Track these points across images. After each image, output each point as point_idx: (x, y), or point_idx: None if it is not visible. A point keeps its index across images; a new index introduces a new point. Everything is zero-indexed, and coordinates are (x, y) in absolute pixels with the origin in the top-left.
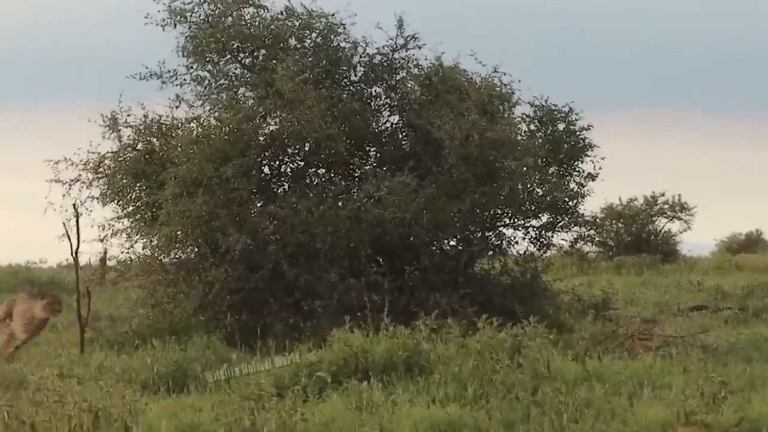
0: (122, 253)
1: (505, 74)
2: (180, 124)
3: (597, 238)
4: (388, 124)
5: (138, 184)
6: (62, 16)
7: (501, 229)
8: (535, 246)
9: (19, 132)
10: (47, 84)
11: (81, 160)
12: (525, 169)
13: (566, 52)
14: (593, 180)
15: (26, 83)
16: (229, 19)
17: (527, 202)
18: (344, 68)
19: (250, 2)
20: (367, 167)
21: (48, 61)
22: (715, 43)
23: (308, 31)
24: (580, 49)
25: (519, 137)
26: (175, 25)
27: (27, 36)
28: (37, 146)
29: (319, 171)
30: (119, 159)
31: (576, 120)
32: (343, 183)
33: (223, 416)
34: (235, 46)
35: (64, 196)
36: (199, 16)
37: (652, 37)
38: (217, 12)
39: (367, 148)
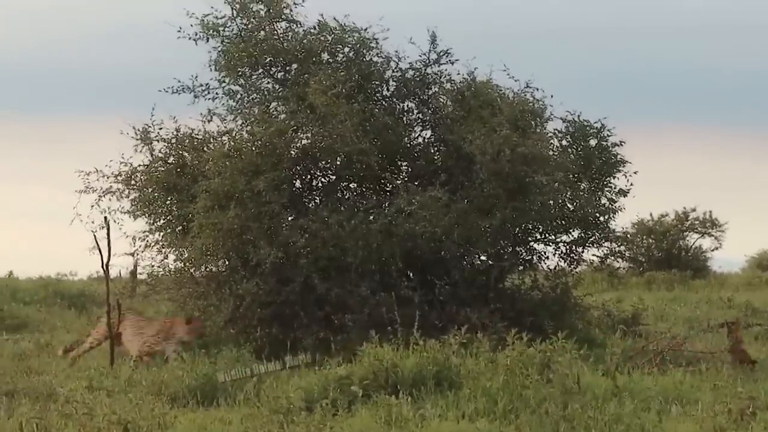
0: (153, 266)
1: (537, 89)
2: (212, 138)
3: (628, 254)
4: (420, 139)
5: (169, 198)
6: (95, 30)
7: (532, 244)
8: (565, 261)
9: (52, 144)
10: (80, 97)
11: (113, 172)
12: (556, 184)
13: (598, 67)
14: (624, 196)
15: (59, 96)
16: (262, 33)
17: (558, 218)
18: (376, 83)
19: (283, 17)
20: (398, 182)
21: (80, 75)
22: (744, 61)
23: (341, 46)
24: (612, 65)
25: (551, 152)
26: (208, 39)
27: (60, 49)
28: (70, 159)
29: (350, 185)
30: (151, 172)
31: (608, 136)
32: (375, 197)
33: (252, 429)
34: (267, 60)
35: (92, 206)
36: (232, 30)
37: (683, 55)
38: (249, 26)
39: (399, 163)
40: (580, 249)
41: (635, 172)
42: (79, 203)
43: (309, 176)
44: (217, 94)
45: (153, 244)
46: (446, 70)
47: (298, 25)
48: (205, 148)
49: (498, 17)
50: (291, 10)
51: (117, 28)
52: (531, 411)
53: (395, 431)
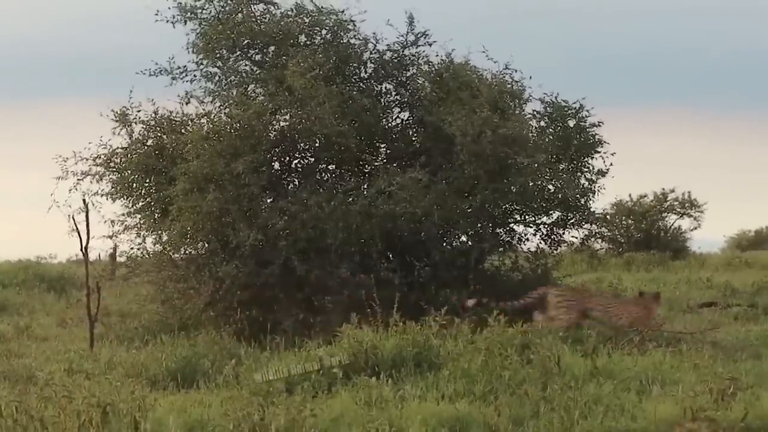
0: (132, 248)
1: (516, 71)
2: (190, 120)
3: (607, 235)
4: (399, 121)
5: (148, 180)
6: (71, 13)
7: (512, 225)
8: (546, 242)
9: (28, 127)
10: (56, 80)
11: (91, 155)
12: (536, 165)
13: (577, 49)
14: (603, 176)
15: (35, 80)
16: (239, 15)
17: (538, 199)
18: (354, 65)
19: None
20: (377, 163)
21: (57, 58)
22: (727, 43)
23: (318, 28)
24: (590, 47)
25: (530, 134)
26: (185, 21)
27: (37, 33)
28: (47, 142)
29: (329, 167)
30: (129, 154)
31: (586, 116)
32: (354, 179)
33: (232, 412)
34: (245, 42)
35: (70, 190)
36: (209, 12)
37: (663, 35)
38: (227, 9)
39: (378, 145)
40: (560, 230)
41: (613, 153)
42: (57, 189)
43: (288, 158)
44: (195, 76)
45: (132, 227)
46: (424, 51)
47: (276, 8)
48: (183, 131)
49: None
50: None
51: (94, 11)
52: (510, 392)
53: (375, 412)
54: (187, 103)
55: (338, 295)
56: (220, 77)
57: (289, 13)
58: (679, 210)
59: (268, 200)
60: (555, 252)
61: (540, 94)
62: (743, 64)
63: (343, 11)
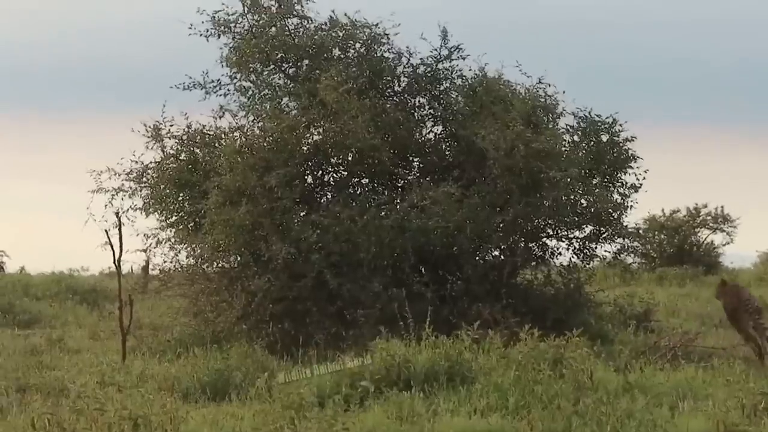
0: (165, 262)
1: (549, 85)
2: (223, 134)
3: (640, 249)
4: (432, 135)
5: (181, 194)
6: (106, 27)
7: (544, 239)
8: (578, 257)
9: (63, 140)
10: (91, 93)
11: (124, 170)
12: (569, 180)
13: (610, 64)
14: (636, 191)
15: (70, 93)
16: (273, 29)
17: (571, 213)
18: (388, 78)
19: (294, 13)
20: (410, 177)
21: (92, 71)
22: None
23: (352, 42)
24: (624, 62)
25: (563, 148)
26: (219, 35)
27: (71, 46)
28: (81, 154)
29: (362, 181)
30: (162, 169)
31: (620, 131)
32: (387, 193)
33: (264, 425)
34: (278, 56)
35: (106, 206)
36: (243, 26)
37: (696, 50)
38: (260, 22)
39: (411, 159)
40: (592, 245)
41: (646, 171)
42: (92, 203)
43: (321, 172)
44: (228, 90)
45: (165, 240)
46: (457, 65)
47: (309, 21)
48: (216, 144)
49: (509, 12)
50: (302, 6)
51: (126, 26)
52: (543, 406)
53: (407, 427)
54: (220, 117)
55: (370, 308)
56: (253, 91)
57: (323, 26)
58: (711, 225)
59: (301, 214)
60: (587, 266)
61: (573, 109)
62: None
63: (377, 25)
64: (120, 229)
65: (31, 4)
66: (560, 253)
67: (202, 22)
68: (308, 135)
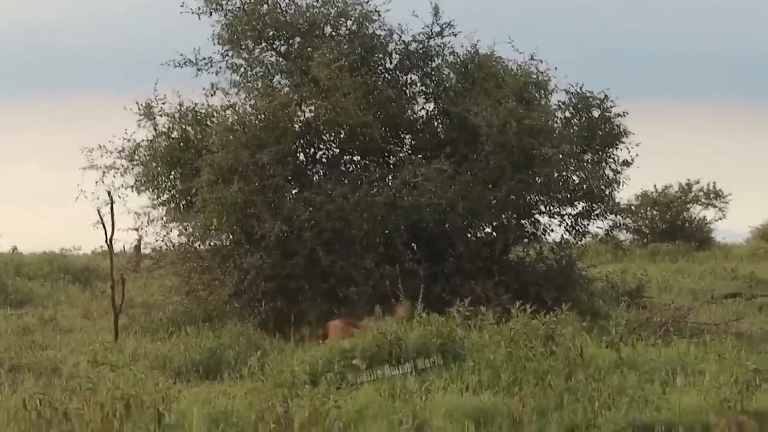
0: (157, 240)
1: (541, 62)
2: (215, 112)
3: (632, 226)
4: (424, 112)
5: (173, 172)
6: (96, 6)
7: (536, 216)
8: (570, 234)
9: (53, 122)
10: (81, 74)
11: (116, 148)
12: (561, 156)
13: (603, 40)
14: (628, 167)
15: (61, 73)
16: (265, 6)
17: (563, 190)
18: (379, 55)
19: None
20: (402, 154)
21: (82, 51)
22: (755, 35)
23: (343, 19)
24: (615, 39)
25: (555, 124)
26: (211, 13)
27: (62, 26)
28: (72, 136)
29: (354, 158)
30: (154, 147)
31: (611, 107)
32: (379, 170)
33: (256, 403)
34: (270, 33)
35: (96, 183)
36: (235, 4)
37: (689, 29)
38: (252, 0)
39: (403, 135)
40: (585, 221)
41: (638, 144)
42: (83, 180)
43: (312, 149)
44: (220, 67)
45: (157, 218)
46: (449, 42)
47: None
48: (208, 122)
49: None
50: None
51: (118, 4)
52: (535, 383)
53: (399, 404)
54: (212, 95)
55: (363, 286)
56: (245, 68)
57: (315, 4)
58: (703, 201)
59: (293, 191)
60: (579, 243)
61: (565, 85)
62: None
63: (368, 2)
64: (112, 208)
65: None
66: (552, 230)
67: (194, 0)
68: (300, 112)
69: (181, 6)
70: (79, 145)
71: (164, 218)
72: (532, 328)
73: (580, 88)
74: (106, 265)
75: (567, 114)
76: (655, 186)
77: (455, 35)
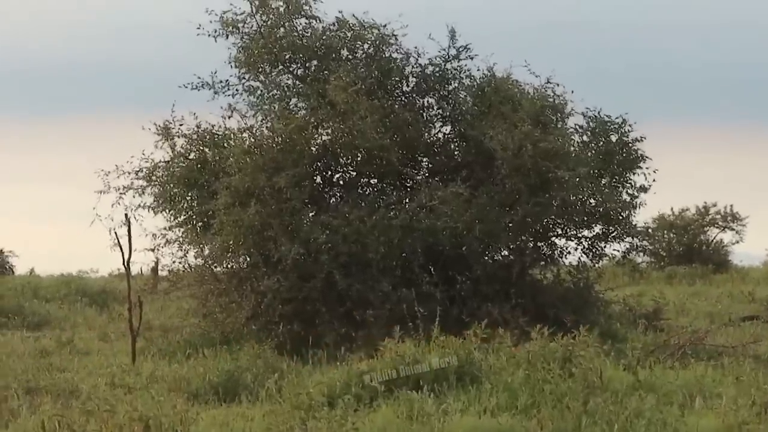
0: (174, 262)
1: (558, 85)
2: (232, 134)
3: (649, 248)
4: (440, 135)
5: (190, 194)
6: (115, 27)
7: (553, 239)
8: (587, 256)
9: (70, 141)
10: (99, 94)
11: (133, 168)
12: (578, 180)
13: (618, 64)
14: (645, 192)
15: (78, 94)
16: (281, 30)
17: (580, 213)
18: (396, 79)
19: (302, 13)
20: (419, 177)
21: (101, 74)
22: None
23: (360, 42)
24: (634, 62)
25: (572, 148)
26: (227, 36)
27: (80, 47)
28: (89, 156)
29: (371, 181)
30: (171, 168)
31: (629, 131)
32: (396, 193)
33: (274, 426)
34: (287, 56)
35: (113, 204)
36: (251, 27)
37: (707, 50)
38: (269, 23)
39: (419, 159)
40: (601, 244)
41: (656, 171)
42: (99, 203)
43: (329, 172)
44: (237, 90)
45: (174, 240)
46: (466, 65)
47: (317, 22)
48: (225, 144)
49: (516, 12)
50: (310, 7)
51: (135, 25)
52: (552, 405)
53: (417, 426)
54: (229, 117)
55: (380, 309)
56: (262, 91)
57: (331, 27)
58: (720, 223)
59: (310, 214)
60: (596, 265)
61: (582, 109)
62: None
63: (384, 25)
64: (129, 229)
65: (37, 5)
66: (569, 253)
67: (210, 23)
68: (317, 135)
69: (198, 28)
70: (92, 164)
71: (181, 240)
72: (549, 350)
73: (598, 112)
74: (123, 288)
75: (584, 138)
76: (672, 209)
77: (472, 58)
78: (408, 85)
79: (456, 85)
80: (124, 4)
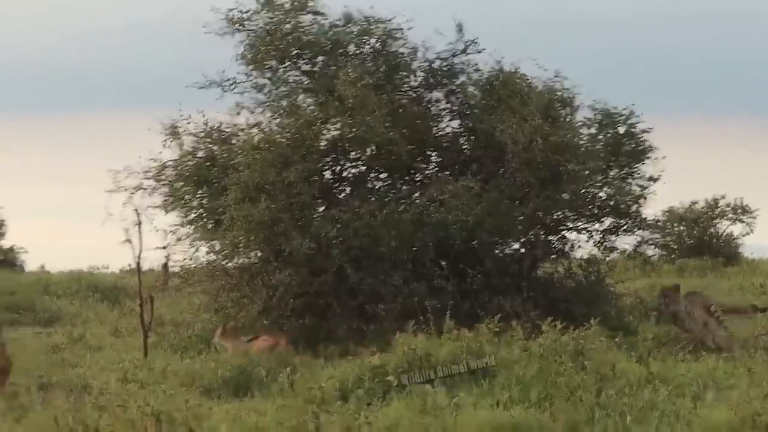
0: (185, 259)
1: (566, 78)
2: (240, 131)
3: (659, 241)
4: (449, 129)
5: (200, 191)
6: (121, 25)
7: (564, 232)
8: (598, 249)
9: (80, 141)
10: (106, 93)
11: (142, 169)
12: (588, 172)
13: (626, 58)
14: (654, 182)
15: (87, 93)
16: (288, 26)
17: (590, 206)
18: (404, 73)
19: (308, 9)
20: (429, 171)
21: (109, 74)
22: None
23: (367, 37)
24: (641, 55)
25: (581, 141)
26: (234, 33)
27: (86, 46)
28: (98, 154)
29: (381, 175)
30: (180, 166)
31: (636, 123)
32: (405, 187)
33: (287, 420)
34: (294, 53)
35: (124, 204)
36: (257, 24)
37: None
38: (275, 19)
39: (429, 153)
40: (612, 237)
41: (664, 157)
42: (111, 202)
43: (339, 167)
44: (244, 87)
45: (184, 237)
46: (473, 59)
47: (324, 17)
48: (234, 141)
49: (523, 7)
50: (315, 2)
51: (141, 23)
52: (565, 398)
53: (430, 420)
54: (237, 114)
55: (391, 302)
56: (269, 88)
57: (338, 23)
58: (731, 216)
59: (320, 209)
60: (607, 258)
61: (590, 101)
62: None
63: (391, 20)
64: (140, 228)
65: (42, 5)
66: (580, 246)
67: (218, 20)
68: (326, 130)
69: (204, 27)
70: (103, 162)
71: (192, 237)
72: (561, 343)
73: (605, 104)
74: (135, 284)
75: (593, 130)
76: (681, 202)
77: (479, 52)
78: (416, 80)
79: (464, 79)
80: (128, 4)
